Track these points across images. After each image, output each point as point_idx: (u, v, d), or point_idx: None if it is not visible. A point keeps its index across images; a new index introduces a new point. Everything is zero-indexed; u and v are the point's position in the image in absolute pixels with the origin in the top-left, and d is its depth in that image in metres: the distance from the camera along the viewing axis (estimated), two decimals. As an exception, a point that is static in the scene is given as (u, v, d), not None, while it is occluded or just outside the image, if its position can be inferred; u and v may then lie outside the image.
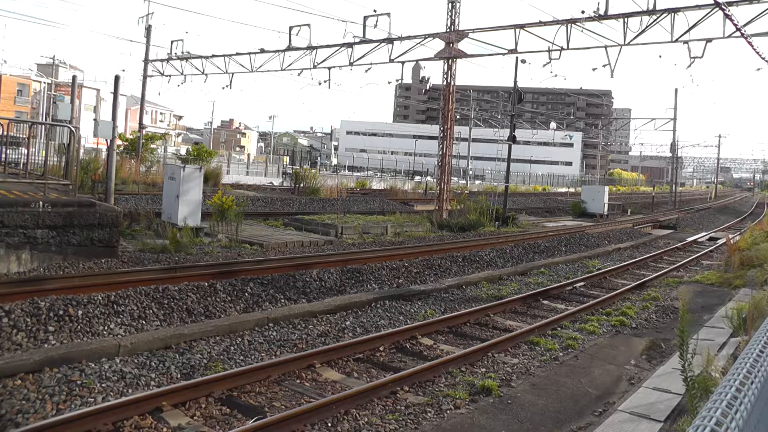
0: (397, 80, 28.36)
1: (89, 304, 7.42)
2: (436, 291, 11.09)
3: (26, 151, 15.04)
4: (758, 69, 21.76)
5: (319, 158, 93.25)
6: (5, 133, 16.37)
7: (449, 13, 21.58)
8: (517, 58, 24.41)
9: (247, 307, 8.75)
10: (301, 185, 31.03)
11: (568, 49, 18.52)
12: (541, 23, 19.13)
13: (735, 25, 13.99)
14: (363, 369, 6.96)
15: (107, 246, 10.96)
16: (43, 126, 28.40)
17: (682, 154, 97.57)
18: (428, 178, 54.23)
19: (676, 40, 16.64)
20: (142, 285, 8.49)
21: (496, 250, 15.64)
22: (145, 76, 32.27)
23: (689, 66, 17.06)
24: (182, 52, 29.60)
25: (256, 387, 6.06)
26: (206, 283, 8.99)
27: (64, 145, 16.18)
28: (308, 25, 23.80)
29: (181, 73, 30.19)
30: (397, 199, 32.01)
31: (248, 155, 52.73)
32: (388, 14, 21.47)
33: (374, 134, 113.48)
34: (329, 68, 24.11)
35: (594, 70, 19.40)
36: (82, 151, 20.08)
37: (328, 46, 23.46)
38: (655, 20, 16.80)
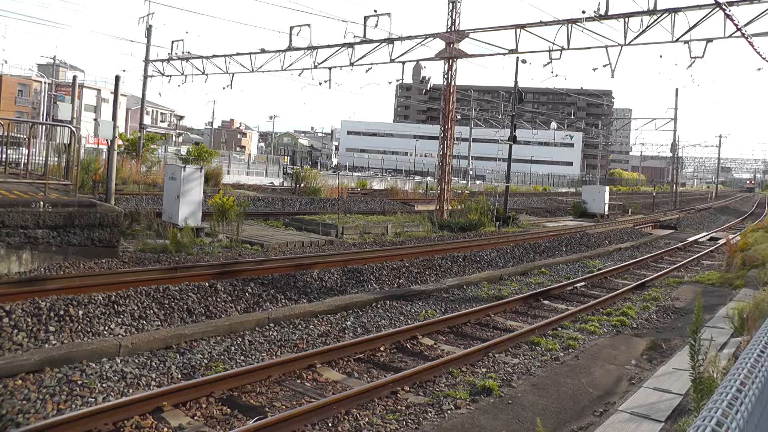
0: (397, 80, 28.36)
1: (90, 304, 7.42)
2: (437, 291, 11.08)
3: (27, 151, 15.05)
4: (759, 69, 21.78)
5: (319, 158, 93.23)
6: (6, 133, 16.40)
7: (450, 13, 21.58)
8: (517, 58, 24.40)
9: (247, 307, 8.75)
10: (302, 185, 31.00)
11: (568, 49, 18.53)
12: (541, 23, 19.13)
13: (735, 25, 13.98)
14: (364, 369, 6.96)
15: (108, 246, 10.96)
16: (44, 126, 28.44)
17: (683, 154, 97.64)
18: (429, 178, 54.22)
19: (677, 40, 16.64)
20: (142, 285, 8.49)
21: (497, 250, 15.63)
22: (145, 77, 32.31)
23: (690, 66, 17.09)
24: (183, 53, 29.64)
25: (257, 387, 6.06)
26: (207, 283, 8.98)
27: (64, 145, 16.19)
28: (309, 25, 23.90)
29: (182, 74, 30.22)
30: (397, 199, 31.99)
31: (249, 155, 52.61)
32: (389, 14, 21.50)
33: (375, 134, 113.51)
34: (330, 68, 24.17)
35: (594, 70, 19.43)
36: (82, 151, 20.08)
37: (328, 46, 23.49)
38: (655, 20, 16.80)
